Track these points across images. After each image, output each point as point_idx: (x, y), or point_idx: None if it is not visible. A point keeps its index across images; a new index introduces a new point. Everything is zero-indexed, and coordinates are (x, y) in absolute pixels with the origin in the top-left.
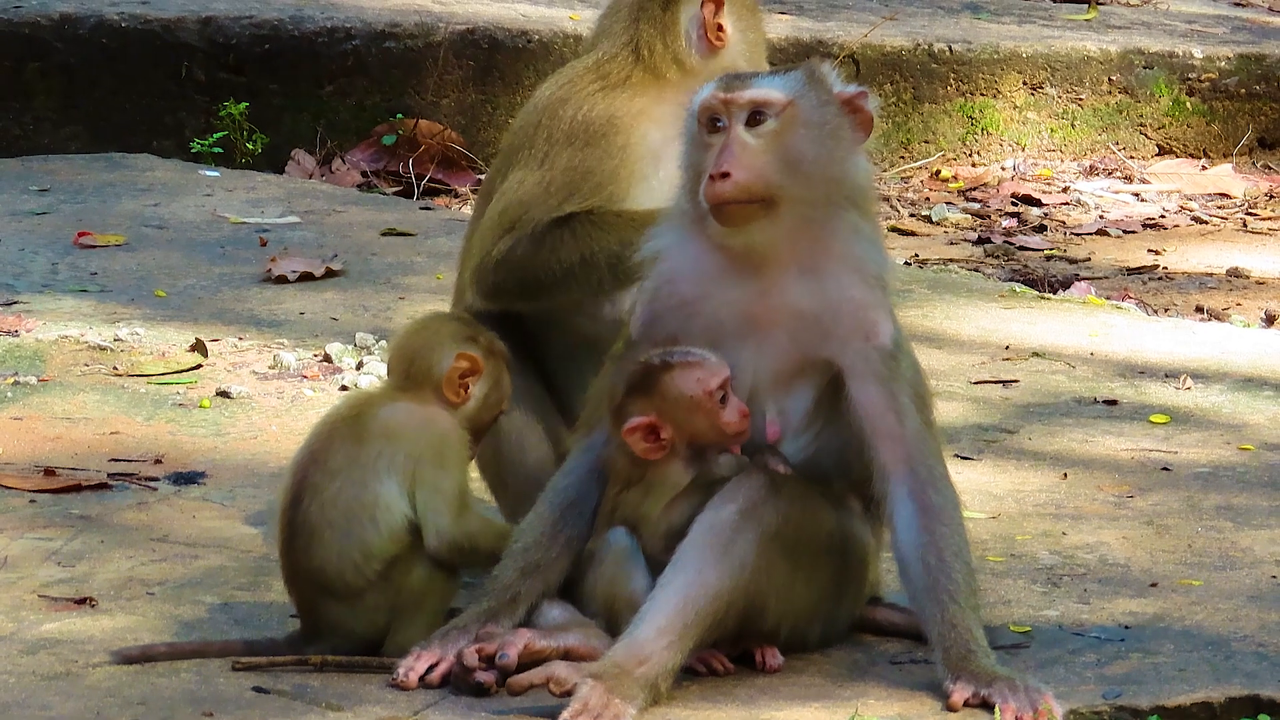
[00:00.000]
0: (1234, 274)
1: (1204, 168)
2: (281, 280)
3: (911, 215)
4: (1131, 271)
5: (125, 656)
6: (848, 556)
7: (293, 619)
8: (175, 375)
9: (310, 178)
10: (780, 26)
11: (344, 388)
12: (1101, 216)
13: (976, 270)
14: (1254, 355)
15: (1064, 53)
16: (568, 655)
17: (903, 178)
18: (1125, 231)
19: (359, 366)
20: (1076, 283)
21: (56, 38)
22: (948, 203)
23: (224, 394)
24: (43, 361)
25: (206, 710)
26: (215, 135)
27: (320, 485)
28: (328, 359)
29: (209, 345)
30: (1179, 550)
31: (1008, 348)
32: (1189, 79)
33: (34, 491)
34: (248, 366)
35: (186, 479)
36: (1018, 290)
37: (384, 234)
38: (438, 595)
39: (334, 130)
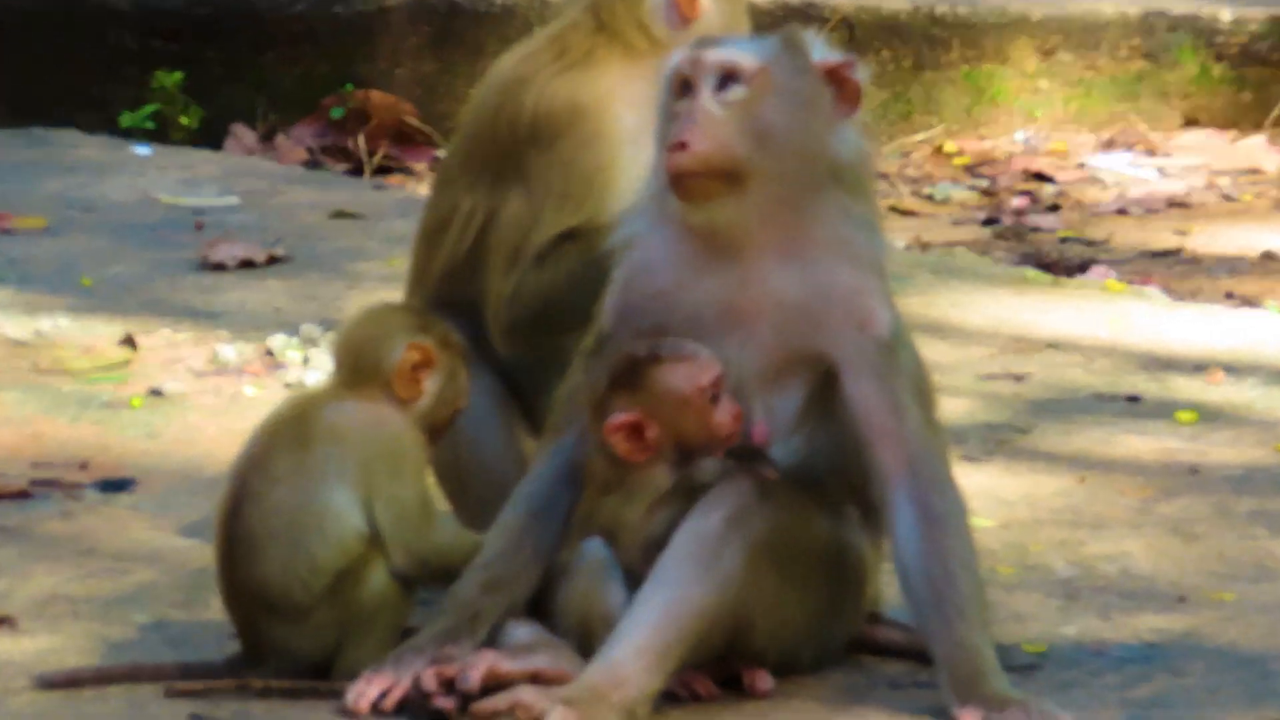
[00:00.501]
0: (1268, 256)
1: (1233, 140)
2: (219, 267)
3: (913, 194)
4: (1155, 254)
5: (48, 681)
6: (844, 569)
7: (232, 639)
8: (103, 372)
9: (251, 155)
10: None
11: (288, 385)
12: (1121, 194)
13: (984, 253)
14: None
15: (1079, 15)
16: (536, 678)
17: (903, 153)
18: (1147, 210)
19: (305, 361)
20: (1094, 267)
21: None
22: (952, 180)
23: (156, 392)
24: None
25: None
26: (147, 108)
27: (262, 493)
28: (270, 354)
29: (140, 339)
30: (1209, 560)
31: (1019, 339)
32: (1216, 43)
33: None
34: (182, 362)
35: (115, 486)
36: (1030, 275)
37: (332, 216)
38: (392, 613)
39: (277, 103)
